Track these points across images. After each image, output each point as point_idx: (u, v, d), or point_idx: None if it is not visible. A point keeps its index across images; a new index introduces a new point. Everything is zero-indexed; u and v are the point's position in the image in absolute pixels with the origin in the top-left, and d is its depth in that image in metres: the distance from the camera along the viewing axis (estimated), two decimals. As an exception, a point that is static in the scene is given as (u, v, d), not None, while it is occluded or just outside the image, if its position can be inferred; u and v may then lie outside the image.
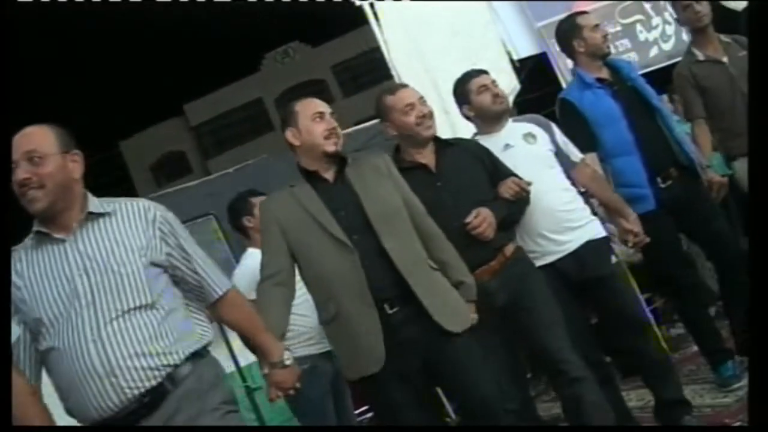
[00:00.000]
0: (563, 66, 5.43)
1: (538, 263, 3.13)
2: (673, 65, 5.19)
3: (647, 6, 5.75)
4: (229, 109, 26.38)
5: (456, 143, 3.13)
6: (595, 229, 3.26)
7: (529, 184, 3.03)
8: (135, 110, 23.63)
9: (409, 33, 5.16)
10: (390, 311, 2.59)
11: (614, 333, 3.39)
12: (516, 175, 3.05)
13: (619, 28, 5.68)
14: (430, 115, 2.99)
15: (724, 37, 3.79)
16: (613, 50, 5.45)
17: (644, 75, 4.29)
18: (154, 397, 2.10)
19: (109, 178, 20.89)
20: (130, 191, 21.30)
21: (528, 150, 3.21)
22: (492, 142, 3.20)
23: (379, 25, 5.07)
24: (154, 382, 2.10)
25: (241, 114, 26.52)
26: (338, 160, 2.74)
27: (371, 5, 5.15)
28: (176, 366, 2.15)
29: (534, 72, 5.46)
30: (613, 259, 3.30)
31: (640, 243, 3.34)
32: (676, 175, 3.52)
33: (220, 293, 2.36)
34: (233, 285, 2.46)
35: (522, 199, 3.04)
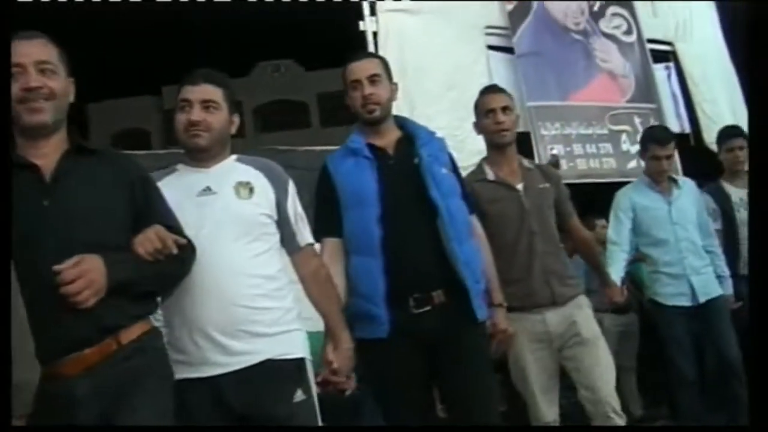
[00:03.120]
0: (542, 151, 5.44)
1: (189, 374, 2.17)
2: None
3: (637, 121, 5.83)
4: (207, 104, 26.15)
5: (100, 154, 2.10)
6: (287, 346, 2.28)
7: (187, 242, 2.10)
8: (111, 79, 23.21)
9: (403, 78, 5.11)
10: None
11: None
12: (173, 225, 2.09)
13: (606, 132, 5.75)
14: (43, 94, 1.98)
15: (527, 163, 3.23)
16: (593, 150, 5.58)
17: (618, 184, 4.26)
18: None
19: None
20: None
21: (232, 205, 2.29)
22: (191, 179, 2.34)
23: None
24: None
25: (217, 112, 26.30)
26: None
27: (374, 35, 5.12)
28: None
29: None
30: (300, 395, 2.26)
31: (336, 387, 2.57)
32: (442, 303, 2.57)
33: None
34: None
35: (172, 262, 2.04)
